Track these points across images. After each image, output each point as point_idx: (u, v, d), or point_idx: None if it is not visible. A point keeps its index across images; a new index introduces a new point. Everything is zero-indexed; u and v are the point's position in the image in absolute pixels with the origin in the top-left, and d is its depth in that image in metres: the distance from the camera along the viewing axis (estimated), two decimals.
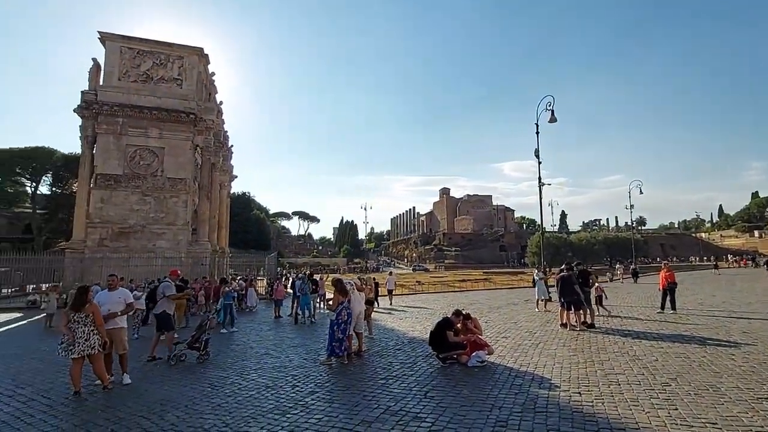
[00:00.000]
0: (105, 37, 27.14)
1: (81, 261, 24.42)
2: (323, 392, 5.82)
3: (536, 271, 17.73)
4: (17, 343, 10.71)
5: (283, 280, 24.45)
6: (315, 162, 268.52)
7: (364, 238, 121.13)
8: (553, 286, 14.15)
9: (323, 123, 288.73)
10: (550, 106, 21.07)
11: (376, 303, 14.87)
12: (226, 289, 12.93)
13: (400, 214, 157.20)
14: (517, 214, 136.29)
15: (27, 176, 53.52)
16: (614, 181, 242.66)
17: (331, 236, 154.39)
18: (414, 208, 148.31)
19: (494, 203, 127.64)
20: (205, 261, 26.75)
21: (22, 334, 12.54)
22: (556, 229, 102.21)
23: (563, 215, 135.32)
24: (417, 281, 37.53)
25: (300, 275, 19.27)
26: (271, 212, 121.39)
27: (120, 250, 24.89)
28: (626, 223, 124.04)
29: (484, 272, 53.16)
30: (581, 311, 10.80)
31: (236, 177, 43.25)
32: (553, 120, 21.11)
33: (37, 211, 54.08)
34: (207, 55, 30.30)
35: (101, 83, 26.66)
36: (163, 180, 26.79)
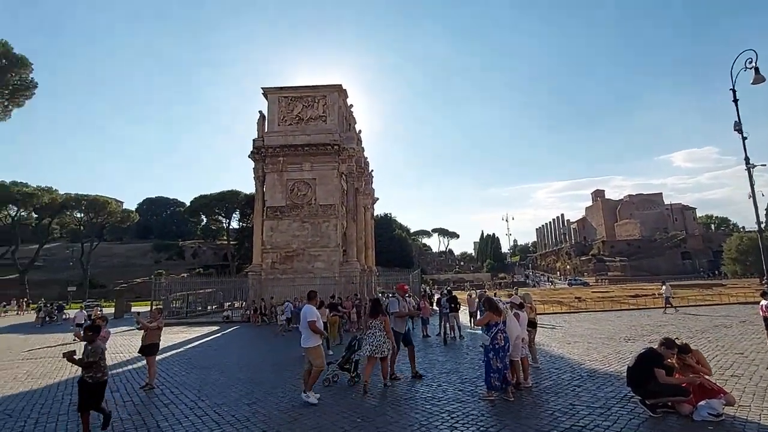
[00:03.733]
0: (267, 92, 32.05)
1: (259, 282, 28.51)
2: None
3: None
4: (209, 356, 12.46)
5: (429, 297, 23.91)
6: (453, 177, 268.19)
7: (507, 251, 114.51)
8: None
9: (458, 137, 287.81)
10: (751, 63, 15.90)
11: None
12: None
13: (546, 224, 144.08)
14: (699, 213, 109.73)
15: (222, 215, 67.24)
16: None
17: (472, 251, 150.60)
18: (562, 215, 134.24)
19: (665, 202, 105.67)
20: (355, 280, 28.30)
21: (214, 347, 14.71)
22: (763, 226, 78.62)
23: None
24: (576, 297, 32.75)
25: (444, 291, 18.46)
26: (411, 231, 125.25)
27: (287, 272, 28.25)
28: None
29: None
30: None
31: (378, 199, 45.65)
32: (759, 80, 15.82)
33: (231, 242, 67.01)
34: (345, 90, 33.02)
35: (266, 130, 31.37)
36: (316, 207, 29.65)
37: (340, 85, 32.19)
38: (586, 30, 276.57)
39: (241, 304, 29.97)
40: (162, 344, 9.40)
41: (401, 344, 8.32)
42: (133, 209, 79.42)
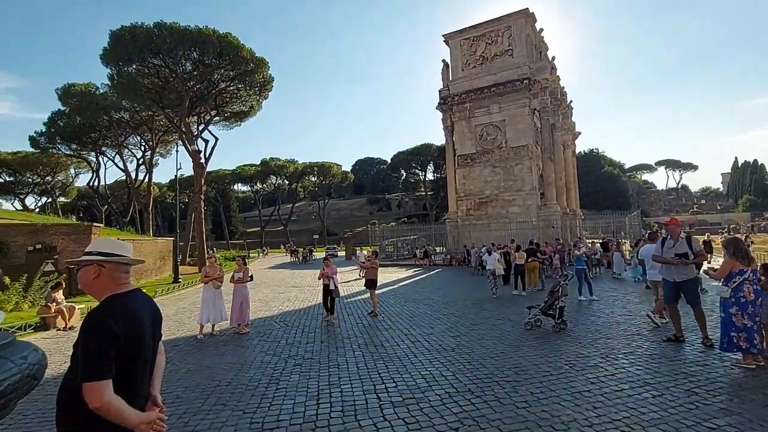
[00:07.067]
0: (447, 37, 31.44)
1: (456, 228, 29.87)
2: (741, 418, 3.72)
3: None
4: (418, 292, 14.06)
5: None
6: (681, 94, 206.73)
7: None
8: None
9: (686, 39, 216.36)
10: None
11: None
12: (577, 253, 11.68)
13: None
14: None
15: (418, 168, 72.30)
16: None
17: (720, 185, 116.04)
18: None
19: None
20: (555, 224, 26.25)
21: (422, 285, 16.42)
22: None
23: None
24: None
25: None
26: (626, 167, 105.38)
27: (482, 218, 28.55)
28: None
29: None
30: None
31: (579, 134, 39.98)
32: None
33: (428, 193, 71.81)
34: (532, 13, 29.18)
35: (450, 78, 31.16)
36: (507, 150, 28.28)
37: (526, 9, 28.61)
38: None
39: (442, 249, 32.13)
40: (380, 281, 11.19)
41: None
42: (349, 170, 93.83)
